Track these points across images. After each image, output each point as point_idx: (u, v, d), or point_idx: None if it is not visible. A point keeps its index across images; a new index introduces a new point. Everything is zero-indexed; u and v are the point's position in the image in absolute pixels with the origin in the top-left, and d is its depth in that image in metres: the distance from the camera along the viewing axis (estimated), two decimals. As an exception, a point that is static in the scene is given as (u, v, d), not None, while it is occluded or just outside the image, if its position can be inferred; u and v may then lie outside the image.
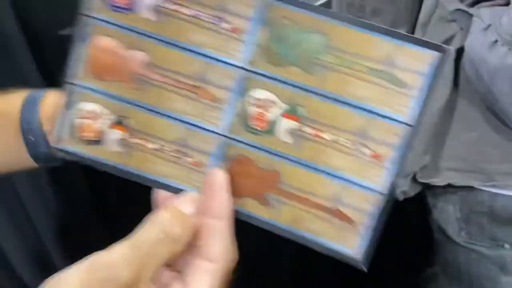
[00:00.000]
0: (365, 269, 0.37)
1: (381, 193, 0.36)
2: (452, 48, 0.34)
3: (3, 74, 0.75)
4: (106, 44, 0.37)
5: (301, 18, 0.35)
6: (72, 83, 0.38)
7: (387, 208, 0.36)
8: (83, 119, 0.39)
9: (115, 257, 0.30)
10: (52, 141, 0.39)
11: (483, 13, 0.64)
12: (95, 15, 0.37)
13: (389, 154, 0.35)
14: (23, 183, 0.81)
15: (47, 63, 0.80)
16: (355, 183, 0.36)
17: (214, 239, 0.34)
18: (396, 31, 0.34)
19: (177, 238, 0.33)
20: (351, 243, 0.36)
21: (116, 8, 0.37)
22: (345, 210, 0.36)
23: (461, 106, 0.72)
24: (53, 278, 0.29)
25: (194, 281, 0.33)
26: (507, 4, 0.63)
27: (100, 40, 0.37)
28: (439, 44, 0.34)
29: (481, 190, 0.72)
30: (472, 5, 0.66)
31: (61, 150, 0.39)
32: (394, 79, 0.34)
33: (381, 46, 0.34)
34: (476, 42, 0.64)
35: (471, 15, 0.65)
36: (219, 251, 0.34)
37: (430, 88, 0.34)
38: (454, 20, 0.69)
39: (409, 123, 0.35)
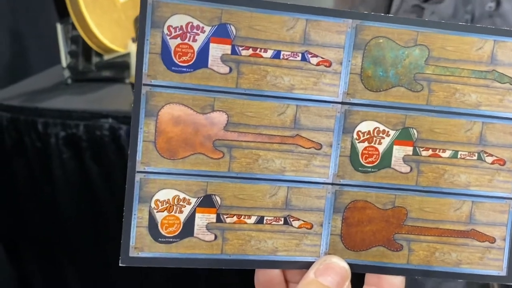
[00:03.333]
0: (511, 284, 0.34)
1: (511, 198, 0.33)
2: None
3: None
4: (176, 114, 0.30)
5: (396, 33, 0.31)
6: (143, 171, 0.30)
7: None
8: (162, 212, 0.30)
9: None
10: (124, 251, 0.30)
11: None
12: (158, 81, 0.30)
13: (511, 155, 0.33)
14: None
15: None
16: (485, 196, 0.33)
17: None
18: (491, 28, 0.32)
19: None
20: (498, 263, 0.33)
21: (178, 69, 0.30)
22: (482, 229, 0.33)
23: None
24: None
25: None
26: None
27: (168, 110, 0.30)
28: None
29: None
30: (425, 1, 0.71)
31: (139, 259, 0.31)
32: (501, 77, 0.32)
33: (481, 46, 0.32)
34: None
35: (423, 9, 0.70)
36: None
37: None
38: (414, 13, 0.74)
39: None
